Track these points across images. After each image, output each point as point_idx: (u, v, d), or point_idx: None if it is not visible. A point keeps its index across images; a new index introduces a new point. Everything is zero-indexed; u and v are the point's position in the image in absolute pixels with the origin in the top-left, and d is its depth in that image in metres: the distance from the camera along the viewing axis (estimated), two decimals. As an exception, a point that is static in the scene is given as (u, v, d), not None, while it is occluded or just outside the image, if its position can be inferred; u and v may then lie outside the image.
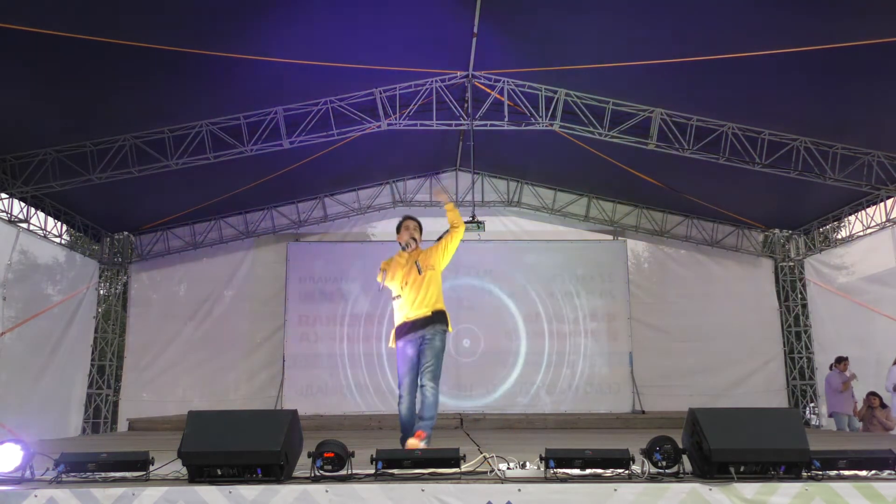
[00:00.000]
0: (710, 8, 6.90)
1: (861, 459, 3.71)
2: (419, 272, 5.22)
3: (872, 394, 10.27)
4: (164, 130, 9.02)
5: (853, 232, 11.36)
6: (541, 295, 12.61)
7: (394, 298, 5.34)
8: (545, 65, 8.60)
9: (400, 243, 5.44)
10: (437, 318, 5.21)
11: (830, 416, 10.83)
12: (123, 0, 6.52)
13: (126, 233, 12.37)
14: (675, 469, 3.71)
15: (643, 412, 11.92)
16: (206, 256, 12.59)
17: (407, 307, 5.23)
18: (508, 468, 3.83)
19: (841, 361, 10.73)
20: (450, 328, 5.30)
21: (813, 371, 12.38)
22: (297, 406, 5.03)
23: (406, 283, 5.23)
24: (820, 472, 3.59)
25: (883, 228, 10.51)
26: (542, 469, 3.66)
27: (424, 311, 5.18)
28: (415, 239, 5.40)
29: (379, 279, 5.25)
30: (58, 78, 7.54)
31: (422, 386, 5.09)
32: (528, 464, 3.90)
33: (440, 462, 3.71)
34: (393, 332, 5.33)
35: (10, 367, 9.67)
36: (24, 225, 9.94)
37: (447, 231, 5.44)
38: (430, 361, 5.11)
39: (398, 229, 5.54)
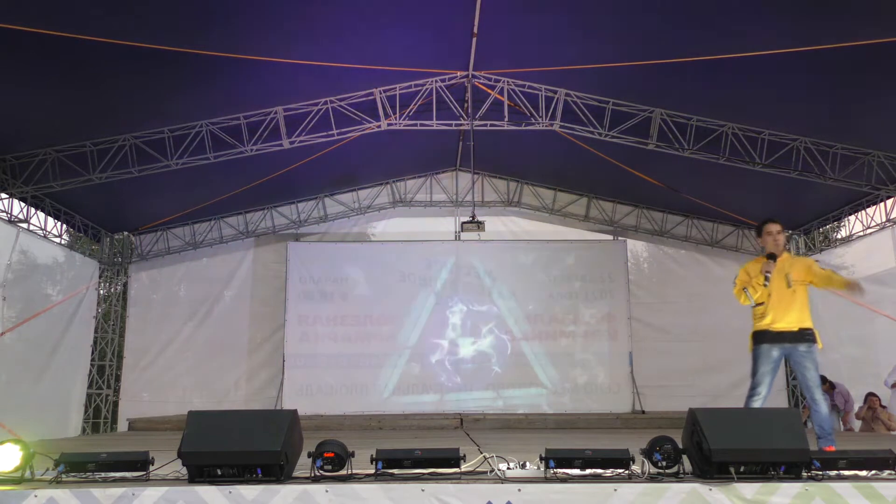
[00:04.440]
0: (711, 8, 6.90)
1: (861, 459, 3.71)
2: (788, 285, 5.05)
3: (872, 394, 10.26)
4: (164, 130, 9.01)
5: (853, 232, 11.35)
6: (540, 295, 12.61)
7: (755, 306, 5.16)
8: (545, 65, 8.59)
9: (765, 248, 5.23)
10: (806, 336, 5.06)
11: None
12: (123, 0, 6.52)
13: (126, 233, 12.36)
14: (675, 469, 3.71)
15: (643, 412, 11.91)
16: (206, 256, 12.58)
17: (771, 315, 5.07)
18: (508, 468, 3.83)
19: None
20: (819, 344, 5.15)
21: (813, 371, 12.37)
22: (297, 406, 5.03)
23: (771, 294, 5.07)
24: (820, 472, 3.59)
25: (883, 228, 10.50)
26: (542, 469, 3.66)
27: (790, 326, 5.04)
28: (773, 256, 5.14)
29: (736, 292, 5.15)
30: (58, 78, 7.54)
31: (814, 401, 5.02)
32: (528, 464, 3.90)
33: (440, 462, 3.71)
34: (752, 335, 5.19)
35: (10, 367, 9.67)
36: (24, 225, 9.93)
37: (835, 277, 5.23)
38: (815, 377, 5.06)
39: (760, 233, 5.30)
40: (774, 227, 5.20)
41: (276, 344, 12.35)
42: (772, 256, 5.13)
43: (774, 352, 5.06)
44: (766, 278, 5.05)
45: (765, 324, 5.09)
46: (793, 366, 5.13)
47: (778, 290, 5.06)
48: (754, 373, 5.10)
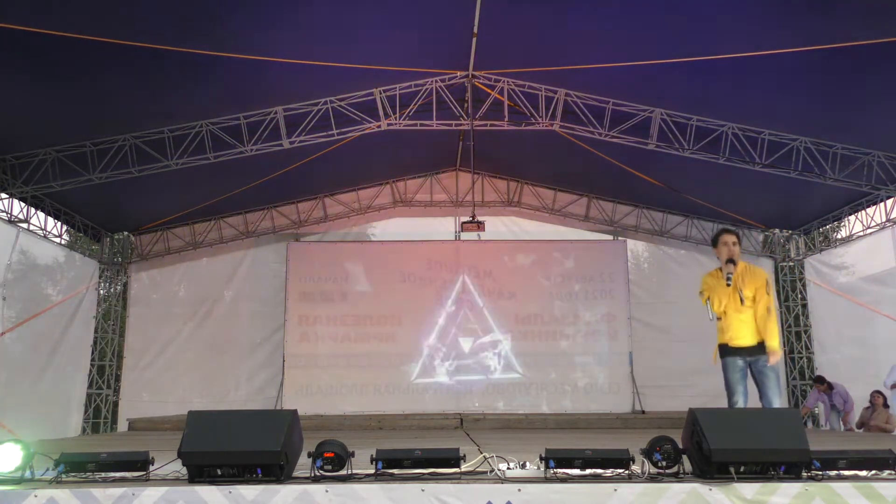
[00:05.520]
0: (711, 8, 6.90)
1: (861, 459, 3.70)
2: (742, 302, 5.13)
3: (877, 392, 10.25)
4: (164, 130, 9.01)
5: (853, 232, 11.36)
6: (541, 295, 12.61)
7: (717, 319, 5.25)
8: (545, 65, 8.59)
9: (719, 258, 5.28)
10: (763, 349, 5.11)
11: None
12: (124, 0, 6.53)
13: (126, 233, 12.36)
14: (675, 469, 3.71)
15: (643, 412, 11.91)
16: (206, 256, 12.59)
17: (730, 332, 5.15)
18: (508, 468, 3.82)
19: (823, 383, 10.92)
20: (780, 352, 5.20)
21: (813, 371, 12.36)
22: (297, 406, 5.03)
23: (726, 311, 5.17)
24: (820, 472, 3.59)
25: (883, 228, 10.50)
26: (542, 469, 3.66)
27: (749, 342, 5.12)
28: (732, 261, 5.16)
29: (704, 303, 5.22)
30: (58, 78, 7.54)
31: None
32: (528, 464, 3.89)
33: (440, 462, 3.71)
34: (716, 348, 5.26)
35: (10, 367, 9.66)
36: (24, 225, 9.94)
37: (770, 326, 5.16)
38: (776, 387, 5.11)
39: (715, 243, 5.35)
40: (730, 238, 5.26)
41: (276, 344, 12.35)
42: (731, 261, 5.22)
43: (739, 361, 5.16)
44: (729, 279, 5.14)
45: (725, 339, 5.22)
46: (755, 374, 5.17)
47: (734, 307, 5.17)
48: (726, 384, 5.21)
